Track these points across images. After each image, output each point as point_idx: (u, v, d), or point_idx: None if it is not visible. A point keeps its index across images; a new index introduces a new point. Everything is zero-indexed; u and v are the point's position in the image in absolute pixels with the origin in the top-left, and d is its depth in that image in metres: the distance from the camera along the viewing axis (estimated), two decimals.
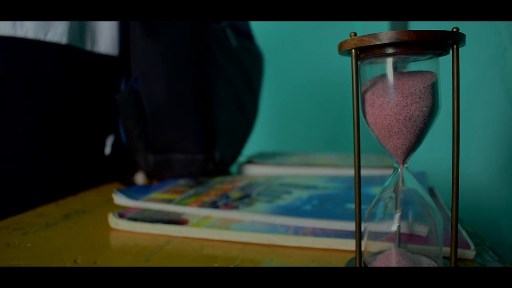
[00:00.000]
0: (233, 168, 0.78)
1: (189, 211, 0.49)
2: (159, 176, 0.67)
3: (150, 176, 0.67)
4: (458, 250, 0.35)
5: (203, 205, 0.50)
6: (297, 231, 0.41)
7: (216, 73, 0.67)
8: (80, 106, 0.65)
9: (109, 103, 0.72)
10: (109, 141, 0.67)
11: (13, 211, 0.50)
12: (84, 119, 0.66)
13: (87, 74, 0.65)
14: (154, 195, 0.55)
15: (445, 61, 0.28)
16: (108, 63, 0.68)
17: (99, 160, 0.67)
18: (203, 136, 0.65)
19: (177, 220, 0.45)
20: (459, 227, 0.41)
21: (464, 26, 0.33)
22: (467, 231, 0.40)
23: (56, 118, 0.61)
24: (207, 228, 0.43)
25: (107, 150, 0.66)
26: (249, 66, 0.78)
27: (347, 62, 0.29)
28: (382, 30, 0.27)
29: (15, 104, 0.55)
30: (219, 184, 0.62)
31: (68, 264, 0.35)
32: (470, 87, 0.65)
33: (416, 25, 0.93)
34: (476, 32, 0.63)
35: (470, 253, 0.35)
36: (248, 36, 0.80)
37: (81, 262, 0.35)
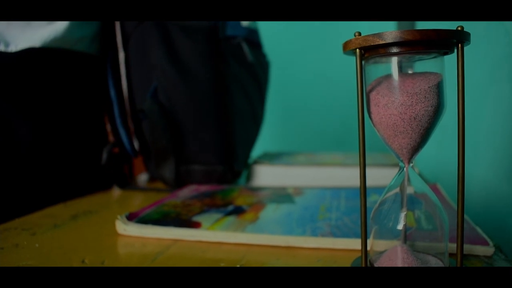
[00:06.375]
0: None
1: None
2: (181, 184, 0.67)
3: (173, 185, 0.67)
4: (477, 247, 0.35)
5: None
6: (315, 232, 0.40)
7: (234, 87, 0.68)
8: (77, 109, 0.65)
9: (101, 105, 0.72)
10: (105, 151, 0.66)
11: (21, 212, 0.50)
12: (84, 122, 0.67)
13: (78, 74, 0.65)
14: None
15: (454, 60, 0.28)
16: (87, 62, 0.67)
17: (97, 169, 0.67)
18: (223, 149, 0.67)
19: (188, 223, 0.44)
20: (473, 224, 0.41)
21: (472, 26, 0.32)
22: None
23: (59, 120, 0.61)
24: (222, 231, 0.41)
25: (104, 159, 0.66)
26: (262, 78, 0.80)
27: (353, 61, 0.29)
28: (388, 30, 0.27)
29: (17, 106, 0.56)
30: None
31: (76, 264, 0.35)
32: (478, 86, 0.65)
33: (423, 25, 0.92)
34: (485, 32, 0.62)
35: (489, 250, 0.35)
36: (258, 46, 0.82)
37: (88, 262, 0.36)
